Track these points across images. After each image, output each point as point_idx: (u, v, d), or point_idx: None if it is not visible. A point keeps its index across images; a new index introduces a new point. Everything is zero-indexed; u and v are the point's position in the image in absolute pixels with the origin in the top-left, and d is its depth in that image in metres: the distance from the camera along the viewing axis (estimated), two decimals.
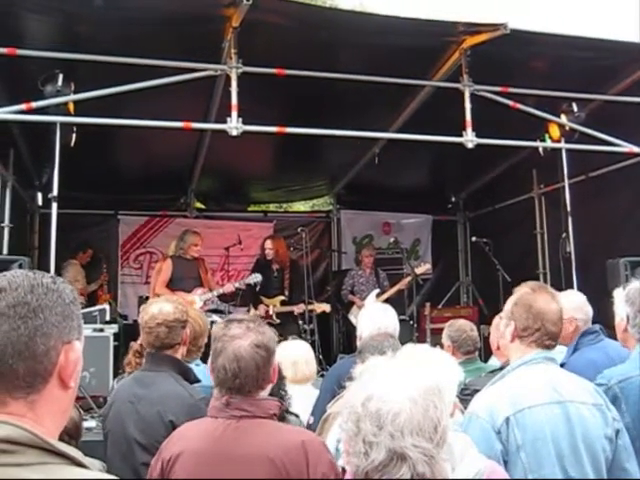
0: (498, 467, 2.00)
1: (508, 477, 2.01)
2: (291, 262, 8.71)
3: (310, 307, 8.57)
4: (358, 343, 3.80)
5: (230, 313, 8.61)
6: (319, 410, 3.57)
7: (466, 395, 3.85)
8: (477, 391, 3.40)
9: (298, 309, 8.39)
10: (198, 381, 3.21)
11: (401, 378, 1.57)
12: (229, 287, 8.06)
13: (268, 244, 8.62)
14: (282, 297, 8.48)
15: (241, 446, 2.21)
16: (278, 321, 8.23)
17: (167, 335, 3.18)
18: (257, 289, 8.45)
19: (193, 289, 7.77)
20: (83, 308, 7.51)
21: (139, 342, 4.39)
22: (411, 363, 1.70)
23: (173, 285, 7.76)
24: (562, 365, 3.42)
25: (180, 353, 3.26)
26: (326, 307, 8.76)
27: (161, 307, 3.25)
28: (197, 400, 2.89)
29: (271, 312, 8.32)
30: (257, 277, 8.08)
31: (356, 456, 1.51)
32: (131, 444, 2.89)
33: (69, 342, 1.35)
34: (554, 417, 2.34)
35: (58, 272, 8.17)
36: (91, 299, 9.28)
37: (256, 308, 8.43)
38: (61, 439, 1.38)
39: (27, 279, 1.33)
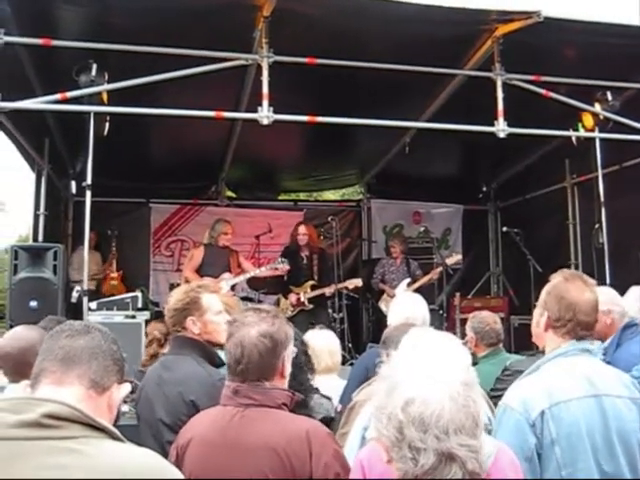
0: (506, 448, 2.00)
1: (516, 459, 2.00)
2: (320, 250, 8.75)
3: (342, 285, 8.67)
4: None
5: (260, 302, 8.68)
6: (346, 398, 3.59)
7: (507, 376, 3.86)
8: (518, 372, 3.37)
9: (330, 290, 8.44)
10: (224, 364, 3.24)
11: (437, 377, 1.55)
12: (255, 272, 8.14)
13: (302, 229, 8.66)
14: (312, 282, 8.53)
15: (246, 435, 2.23)
16: (311, 306, 8.32)
17: None
18: (285, 279, 8.53)
19: (220, 274, 7.82)
20: (94, 292, 7.59)
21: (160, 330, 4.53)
22: (437, 355, 1.68)
23: (202, 271, 7.83)
24: (608, 363, 3.40)
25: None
26: (357, 282, 8.79)
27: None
28: (216, 380, 2.93)
29: (302, 298, 8.37)
30: (284, 260, 8.16)
31: (403, 462, 1.50)
32: (158, 425, 2.97)
33: (119, 382, 1.69)
34: (589, 411, 2.30)
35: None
36: (100, 281, 9.44)
37: (286, 298, 8.50)
38: None
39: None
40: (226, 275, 7.84)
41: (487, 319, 4.74)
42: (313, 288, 8.47)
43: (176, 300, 3.29)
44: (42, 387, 1.57)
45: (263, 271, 8.23)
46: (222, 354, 3.92)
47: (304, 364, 3.19)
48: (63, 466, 1.37)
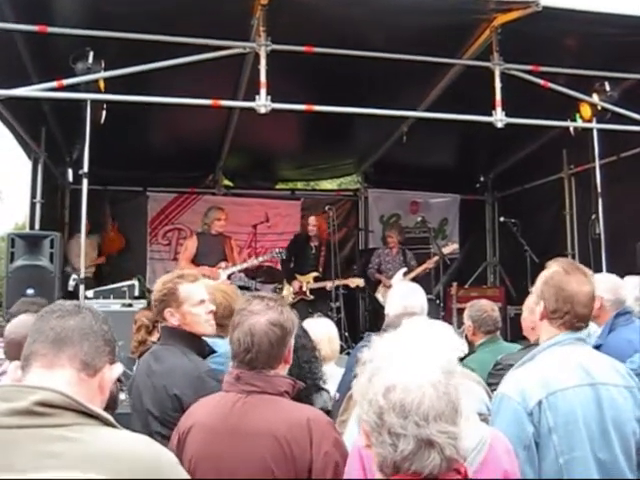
0: (500, 435, 2.01)
1: (510, 446, 2.01)
2: (328, 241, 8.78)
3: (344, 282, 8.73)
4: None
5: (257, 290, 8.69)
6: (345, 387, 3.59)
7: (498, 370, 3.87)
8: (509, 366, 3.39)
9: (330, 285, 8.48)
10: (213, 352, 3.25)
11: (418, 363, 1.56)
12: (253, 262, 8.18)
13: (312, 220, 8.81)
14: (315, 273, 8.65)
15: (247, 421, 2.24)
16: (312, 297, 8.41)
17: None
18: (292, 265, 8.68)
19: (217, 263, 7.86)
20: (94, 278, 7.57)
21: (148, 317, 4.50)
22: (419, 342, 1.69)
23: (197, 260, 7.86)
24: (599, 346, 3.42)
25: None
26: (360, 281, 8.87)
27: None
28: (201, 373, 2.93)
29: (305, 288, 8.46)
30: (281, 251, 8.23)
31: (382, 447, 1.51)
32: (147, 415, 2.97)
33: (111, 363, 1.67)
34: (586, 400, 2.32)
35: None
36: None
37: (290, 284, 8.57)
38: None
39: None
40: (223, 264, 7.86)
41: (485, 307, 4.77)
42: (316, 280, 8.55)
43: (155, 291, 3.24)
44: (33, 370, 1.56)
45: (260, 261, 8.27)
46: (225, 343, 3.95)
47: (313, 353, 3.22)
48: (57, 454, 1.37)
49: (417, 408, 1.49)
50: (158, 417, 2.92)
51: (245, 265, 8.11)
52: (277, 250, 8.33)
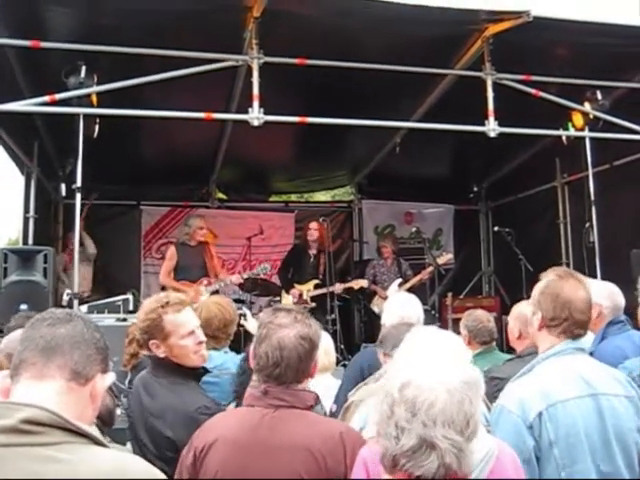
0: (509, 449, 1.99)
1: (517, 457, 2.00)
2: (328, 250, 8.77)
3: (348, 284, 8.80)
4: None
5: (252, 303, 8.68)
6: (341, 398, 3.58)
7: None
8: (495, 379, 3.38)
9: (336, 288, 8.53)
10: (207, 371, 3.16)
11: (441, 369, 1.58)
12: (237, 279, 8.11)
13: (314, 225, 8.79)
14: (316, 281, 8.65)
15: (279, 435, 2.21)
16: (314, 304, 8.38)
17: None
18: (290, 276, 8.66)
19: (199, 279, 7.73)
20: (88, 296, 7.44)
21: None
22: (443, 350, 1.71)
23: (177, 275, 7.75)
24: (591, 354, 3.41)
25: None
26: (363, 282, 8.90)
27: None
28: (192, 412, 2.80)
29: (305, 296, 8.44)
30: (265, 268, 8.23)
31: (387, 439, 1.53)
32: (144, 448, 2.87)
33: (103, 372, 1.64)
34: (587, 411, 2.30)
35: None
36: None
37: (288, 293, 8.58)
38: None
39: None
40: (205, 280, 7.75)
41: (481, 317, 4.77)
42: (317, 287, 8.61)
43: (138, 320, 3.07)
44: (22, 381, 1.53)
45: (245, 278, 8.22)
46: (220, 355, 3.91)
47: None
48: (44, 474, 1.35)
49: (427, 409, 1.50)
50: (155, 454, 2.81)
51: (228, 282, 8.01)
52: (262, 266, 8.32)
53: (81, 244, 6.88)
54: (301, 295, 8.51)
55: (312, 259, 8.71)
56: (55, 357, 1.55)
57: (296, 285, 8.61)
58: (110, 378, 1.67)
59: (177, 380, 2.97)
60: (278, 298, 8.77)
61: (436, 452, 1.47)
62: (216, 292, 7.80)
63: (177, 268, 7.78)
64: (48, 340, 1.56)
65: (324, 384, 4.10)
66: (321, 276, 8.65)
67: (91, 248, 9.04)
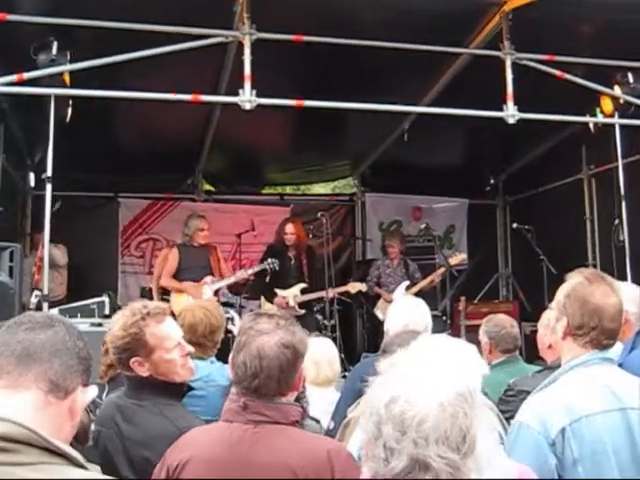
0: (529, 472, 1.99)
1: None
2: (309, 249, 8.79)
3: (343, 288, 8.73)
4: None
5: (242, 307, 8.68)
6: (340, 414, 3.59)
7: (510, 396, 3.85)
8: (523, 392, 3.36)
9: (328, 294, 8.43)
10: (191, 388, 3.13)
11: (430, 380, 1.57)
12: (242, 274, 8.17)
13: (289, 228, 8.63)
14: (302, 285, 8.55)
15: (260, 454, 2.21)
16: (302, 312, 8.34)
17: None
18: (267, 280, 8.50)
19: (202, 278, 7.87)
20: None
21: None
22: (438, 361, 1.70)
23: (180, 275, 7.88)
24: (619, 366, 3.41)
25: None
26: (361, 286, 8.86)
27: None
28: (183, 431, 2.70)
29: (292, 303, 8.38)
30: (274, 261, 8.16)
31: (375, 461, 1.52)
32: None
33: (85, 385, 1.63)
34: (614, 426, 2.28)
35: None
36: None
37: (270, 301, 8.48)
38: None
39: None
40: (208, 279, 7.87)
41: (503, 322, 4.77)
42: (304, 292, 8.50)
43: (114, 337, 2.98)
44: None
45: (250, 273, 8.25)
46: (207, 365, 3.91)
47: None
48: None
49: (418, 425, 1.48)
50: None
51: (233, 278, 8.09)
52: (270, 260, 8.27)
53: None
54: (287, 302, 8.39)
55: (293, 261, 8.63)
56: (33, 365, 1.52)
57: (278, 291, 8.50)
58: (92, 392, 1.65)
59: (163, 401, 2.93)
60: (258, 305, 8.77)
61: (430, 472, 1.46)
62: (217, 292, 7.99)
63: (179, 269, 7.93)
64: (26, 346, 1.54)
65: (327, 399, 4.12)
66: (307, 279, 8.59)
67: (61, 260, 8.99)
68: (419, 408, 1.50)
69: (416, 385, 1.55)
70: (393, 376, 1.62)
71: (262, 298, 8.65)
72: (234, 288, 8.72)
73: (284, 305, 8.35)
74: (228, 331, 4.68)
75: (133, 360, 2.93)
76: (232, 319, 5.30)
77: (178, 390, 3.02)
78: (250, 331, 2.35)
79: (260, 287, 8.71)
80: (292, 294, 8.45)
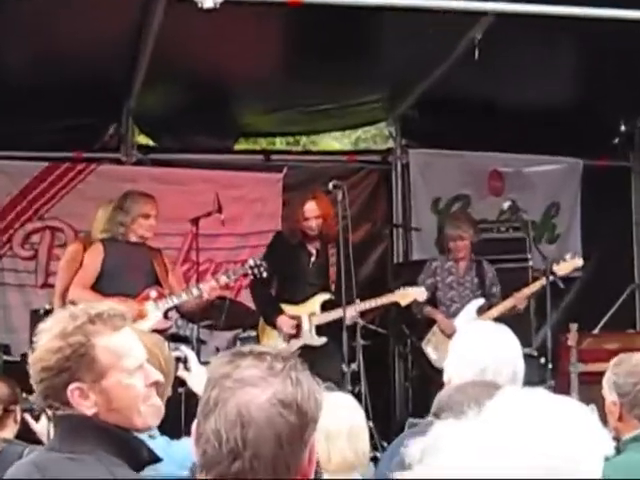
0: None
1: None
2: (337, 239, 8.69)
3: (390, 298, 8.78)
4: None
5: (202, 342, 8.69)
6: None
7: None
8: None
9: (355, 311, 8.43)
10: (156, 460, 3.17)
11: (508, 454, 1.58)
12: (206, 286, 8.15)
13: (312, 207, 8.69)
14: (324, 296, 8.64)
15: None
16: (322, 340, 8.44)
17: None
18: (273, 292, 8.70)
19: (143, 290, 7.92)
20: None
21: None
22: (530, 437, 1.70)
23: (104, 286, 7.87)
24: None
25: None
26: (419, 292, 8.85)
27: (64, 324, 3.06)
28: None
29: (306, 326, 8.41)
30: (259, 263, 8.15)
31: None
32: None
33: None
34: None
35: None
36: None
37: (273, 325, 8.56)
38: None
39: None
40: (153, 292, 7.90)
41: None
42: (326, 308, 8.57)
43: (45, 350, 2.99)
44: None
45: (222, 283, 8.23)
46: (176, 447, 3.92)
47: None
48: None
49: None
50: None
51: (195, 292, 8.06)
52: (251, 262, 8.26)
53: None
54: (299, 325, 8.47)
55: (314, 258, 8.72)
56: None
57: (286, 307, 8.58)
58: None
59: (111, 459, 2.94)
60: (254, 333, 8.79)
61: None
62: (167, 314, 8.06)
63: (103, 276, 7.96)
64: None
65: None
66: (333, 286, 8.65)
67: None
68: None
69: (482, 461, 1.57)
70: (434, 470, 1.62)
71: (262, 321, 8.73)
72: (188, 310, 8.72)
73: (294, 330, 8.43)
74: (180, 383, 4.70)
75: (72, 387, 2.94)
76: (185, 361, 5.30)
77: (136, 446, 3.06)
78: (225, 381, 2.31)
79: (263, 302, 8.90)
80: (308, 311, 8.51)
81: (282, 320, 8.54)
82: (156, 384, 3.13)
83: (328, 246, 8.78)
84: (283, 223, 9.15)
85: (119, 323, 3.03)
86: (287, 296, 8.67)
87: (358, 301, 8.46)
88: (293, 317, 8.56)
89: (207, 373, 2.50)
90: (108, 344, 2.98)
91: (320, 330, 8.55)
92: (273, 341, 8.49)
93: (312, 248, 8.81)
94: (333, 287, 8.67)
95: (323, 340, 8.45)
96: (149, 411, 3.08)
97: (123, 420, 3.01)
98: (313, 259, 8.80)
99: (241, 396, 2.25)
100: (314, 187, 10.01)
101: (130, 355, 3.03)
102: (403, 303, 8.86)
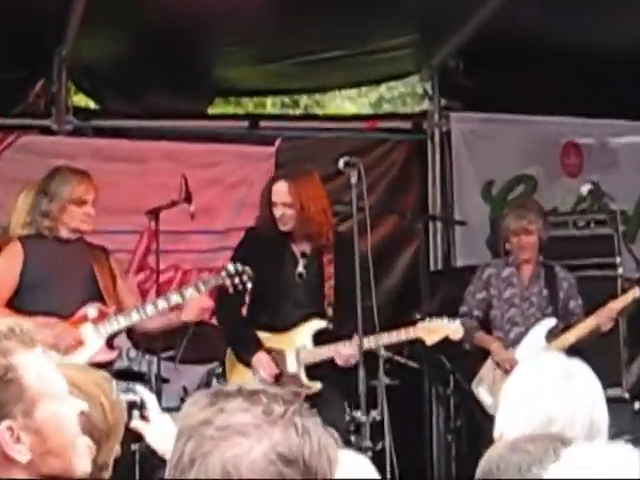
0: None
1: None
2: (336, 237, 8.74)
3: (410, 333, 8.67)
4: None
5: (163, 381, 8.78)
6: None
7: None
8: None
9: (369, 345, 8.31)
10: None
11: None
12: (164, 303, 8.15)
13: (281, 189, 8.53)
14: (318, 323, 8.55)
15: None
16: (317, 386, 8.40)
17: None
18: (247, 313, 8.70)
19: (79, 307, 7.99)
20: None
21: None
22: None
23: (24, 302, 7.96)
24: None
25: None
26: (452, 330, 8.67)
27: None
28: None
29: (294, 368, 8.37)
30: (242, 270, 8.04)
31: None
32: None
33: None
34: None
35: None
36: None
37: (246, 363, 8.48)
38: None
39: None
40: (92, 310, 7.96)
41: None
42: (320, 340, 8.55)
43: None
44: None
45: (187, 297, 8.24)
46: None
47: None
48: None
49: None
50: None
51: (150, 311, 8.06)
52: (231, 269, 8.21)
53: None
54: (278, 365, 8.47)
55: (301, 266, 8.68)
56: None
57: (265, 337, 8.50)
58: None
59: None
60: (221, 369, 8.82)
61: None
62: (112, 342, 8.09)
63: (22, 287, 8.03)
64: None
65: None
66: (330, 309, 8.57)
67: None
68: None
69: None
70: None
71: (229, 353, 8.70)
72: (144, 336, 8.79)
73: (274, 372, 8.41)
74: (134, 437, 4.80)
75: (2, 428, 2.96)
76: (141, 407, 5.39)
77: None
78: (205, 430, 2.37)
79: (235, 328, 8.80)
80: (295, 343, 8.50)
81: (260, 360, 8.38)
82: (82, 415, 3.17)
83: (324, 253, 8.65)
84: (260, 215, 8.70)
85: (30, 342, 3.04)
86: (265, 319, 8.56)
87: (381, 335, 8.29)
88: (273, 351, 8.44)
89: (177, 422, 2.52)
90: (33, 364, 3.00)
91: (312, 370, 8.43)
92: (243, 380, 8.14)
93: (296, 251, 8.65)
94: (330, 311, 8.53)
95: (317, 387, 8.36)
96: (86, 452, 3.14)
97: (60, 466, 3.05)
98: (300, 268, 8.62)
99: (227, 449, 2.18)
100: (305, 165, 9.94)
101: (54, 378, 3.06)
102: (429, 341, 8.70)
